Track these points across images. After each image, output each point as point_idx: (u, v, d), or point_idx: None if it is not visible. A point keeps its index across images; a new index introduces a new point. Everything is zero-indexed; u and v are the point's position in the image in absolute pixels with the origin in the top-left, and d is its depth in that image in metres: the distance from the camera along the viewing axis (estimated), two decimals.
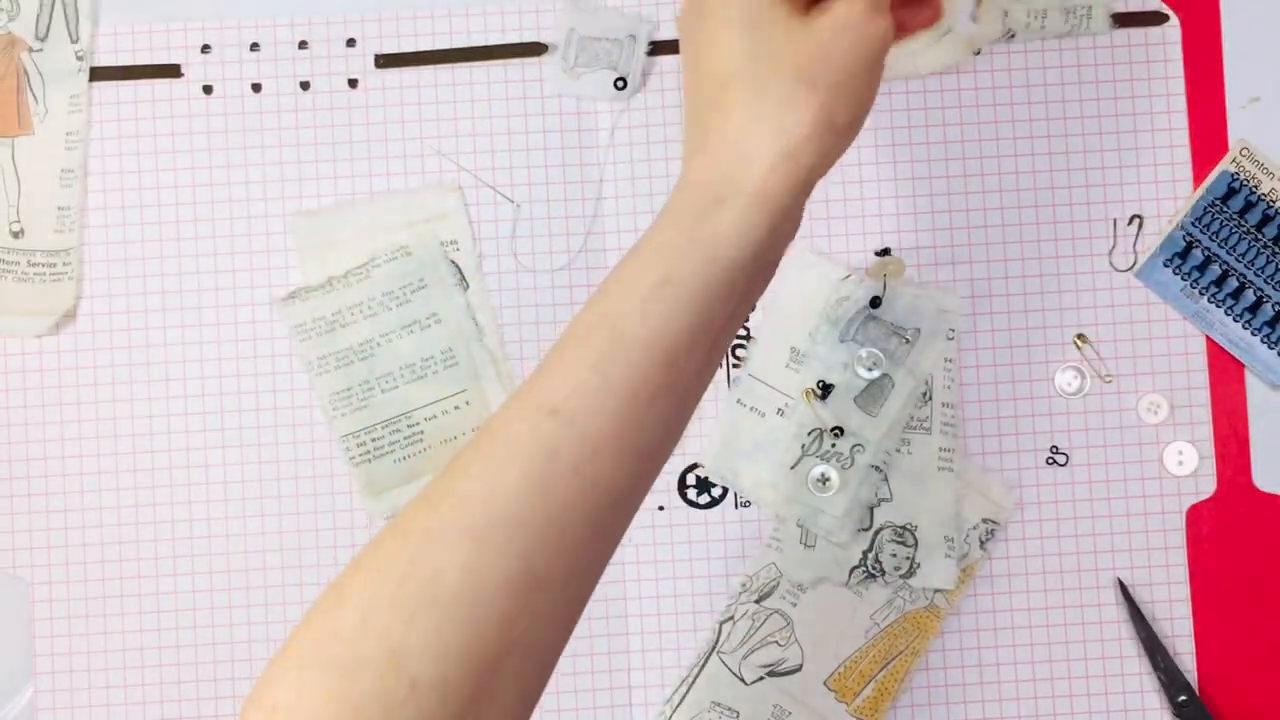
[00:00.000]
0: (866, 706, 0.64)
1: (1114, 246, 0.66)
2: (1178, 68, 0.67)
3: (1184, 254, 0.66)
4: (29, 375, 0.66)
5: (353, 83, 0.67)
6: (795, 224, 0.48)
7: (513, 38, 0.67)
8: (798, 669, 0.65)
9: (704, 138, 0.46)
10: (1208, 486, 0.65)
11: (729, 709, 0.65)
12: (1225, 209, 0.66)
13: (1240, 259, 0.66)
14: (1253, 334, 0.65)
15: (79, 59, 0.66)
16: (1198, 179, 0.66)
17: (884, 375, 0.64)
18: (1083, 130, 0.66)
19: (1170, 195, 0.66)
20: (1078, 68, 0.65)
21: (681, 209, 0.46)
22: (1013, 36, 0.66)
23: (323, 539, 0.65)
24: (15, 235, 0.66)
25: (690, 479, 0.66)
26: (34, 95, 0.66)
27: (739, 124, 0.46)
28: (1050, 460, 0.66)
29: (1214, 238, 0.66)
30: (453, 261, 0.66)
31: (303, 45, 0.67)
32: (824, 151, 0.46)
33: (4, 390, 0.66)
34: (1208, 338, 0.66)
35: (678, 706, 0.65)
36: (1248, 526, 0.65)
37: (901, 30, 0.50)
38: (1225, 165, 0.66)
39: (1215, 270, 0.66)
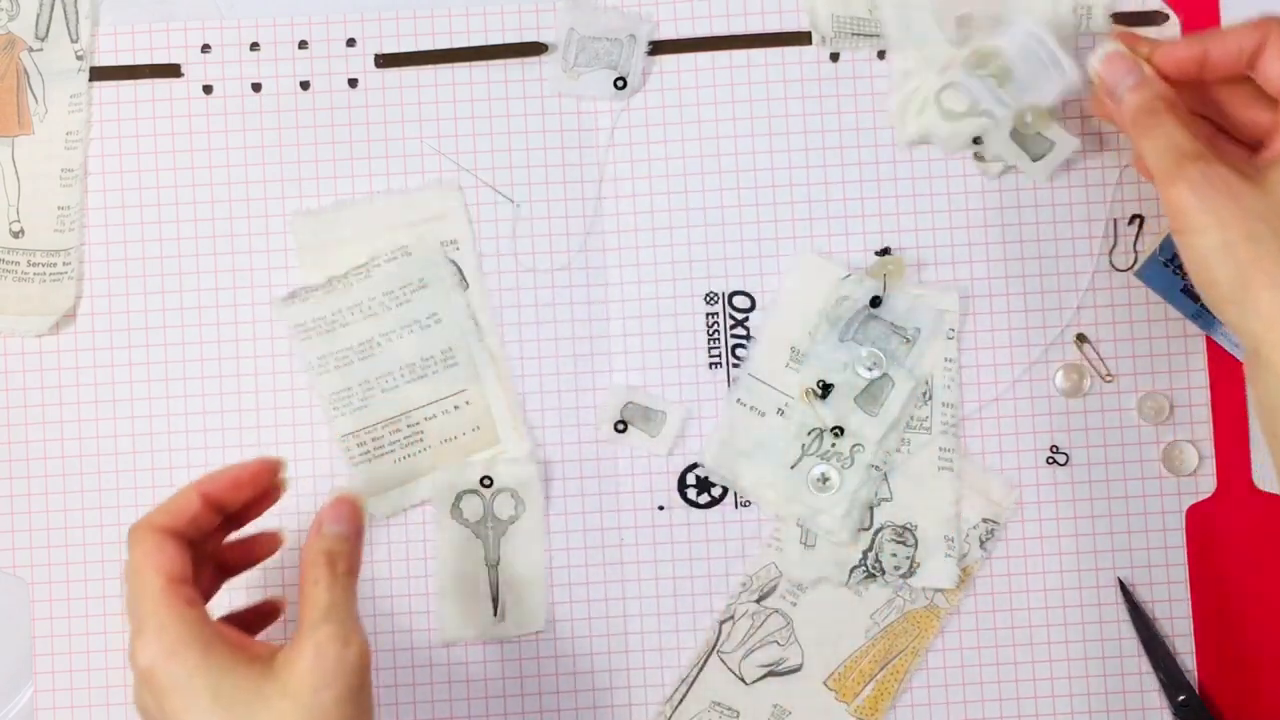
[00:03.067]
0: (866, 706, 0.64)
1: (1114, 246, 0.66)
2: None
3: None
4: (29, 375, 0.66)
5: (353, 82, 0.67)
6: None
7: (513, 38, 0.67)
8: (798, 669, 0.65)
9: None
10: (1208, 486, 0.65)
11: (729, 709, 0.65)
12: None
13: None
14: None
15: (79, 59, 0.66)
16: None
17: (884, 375, 0.64)
18: (1082, 130, 0.66)
19: None
20: (1085, 80, 0.65)
21: None
22: None
23: None
24: (15, 235, 0.66)
25: (690, 479, 0.66)
26: (34, 95, 0.66)
27: None
28: (1050, 460, 0.66)
29: None
30: (453, 261, 0.66)
31: (303, 45, 0.67)
32: None
33: (4, 390, 0.66)
34: (1208, 338, 0.66)
35: (678, 706, 0.65)
36: (1248, 526, 0.65)
37: (246, 565, 0.59)
38: None
39: None
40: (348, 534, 0.55)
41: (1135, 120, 0.55)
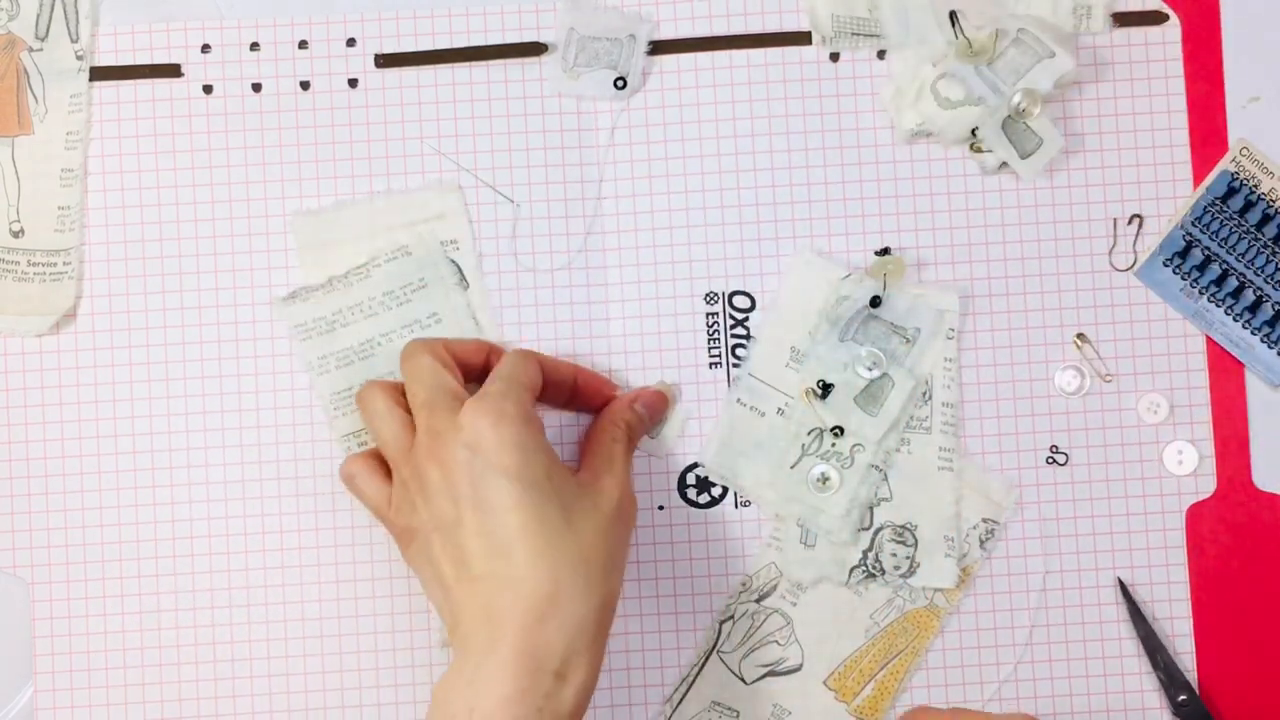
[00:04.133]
0: (866, 706, 0.64)
1: (1114, 246, 0.66)
2: (1178, 67, 0.67)
3: (1184, 253, 0.66)
4: (29, 375, 0.66)
5: (353, 83, 0.67)
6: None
7: (513, 38, 0.67)
8: (798, 668, 0.65)
9: None
10: (1208, 486, 0.65)
11: (729, 709, 0.65)
12: (1225, 208, 0.66)
13: (1240, 258, 0.66)
14: (1253, 333, 0.65)
15: (79, 59, 0.66)
16: (1198, 178, 0.66)
17: (884, 375, 0.64)
18: (1082, 130, 0.66)
19: (1170, 195, 0.66)
20: (1077, 66, 0.65)
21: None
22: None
23: (323, 539, 0.65)
24: (15, 235, 0.66)
25: (690, 479, 0.66)
26: (34, 95, 0.66)
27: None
28: (1050, 460, 0.66)
29: (1214, 237, 0.66)
30: (453, 261, 0.66)
31: (303, 45, 0.67)
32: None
33: (4, 390, 0.66)
34: (1208, 337, 0.66)
35: (678, 706, 0.65)
36: (1248, 526, 0.65)
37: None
38: (1225, 165, 0.66)
39: (1215, 270, 0.66)
40: (649, 419, 0.64)
41: None
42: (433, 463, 0.55)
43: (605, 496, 0.57)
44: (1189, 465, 0.65)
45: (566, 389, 0.63)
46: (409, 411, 0.59)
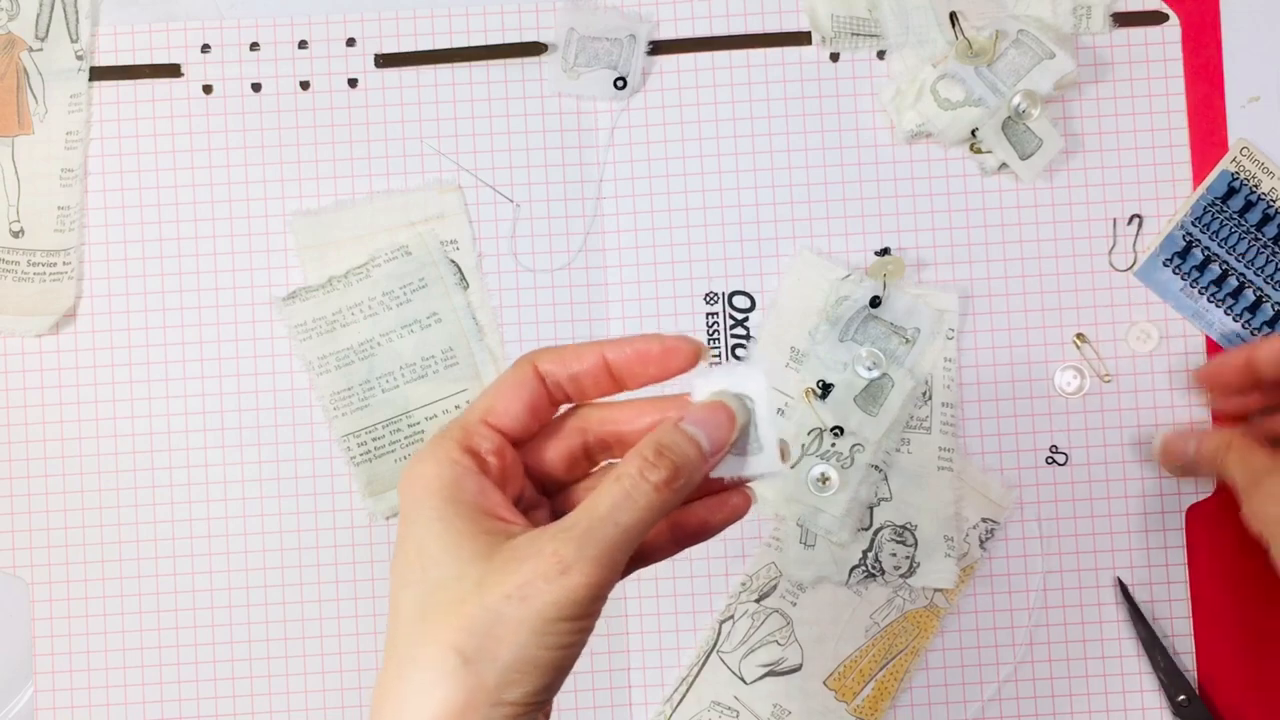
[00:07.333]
0: (866, 706, 0.64)
1: (1113, 246, 0.66)
2: (1178, 67, 0.67)
3: (1183, 253, 0.66)
4: (29, 375, 0.66)
5: (353, 82, 0.67)
6: None
7: (513, 38, 0.67)
8: (797, 668, 0.65)
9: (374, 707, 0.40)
10: (1208, 486, 0.65)
11: (729, 708, 0.65)
12: (1225, 208, 0.66)
13: (1240, 258, 0.66)
14: (1252, 333, 0.65)
15: (79, 59, 0.66)
16: (1197, 178, 0.66)
17: (884, 375, 0.64)
18: (1082, 130, 0.66)
19: (1170, 195, 0.66)
20: (1077, 67, 0.65)
21: None
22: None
23: (323, 539, 0.65)
24: (15, 235, 0.66)
25: None
26: (34, 95, 0.66)
27: (395, 701, 0.38)
28: (1050, 460, 0.66)
29: (1214, 237, 0.66)
30: (453, 261, 0.66)
31: (303, 45, 0.67)
32: None
33: (4, 390, 0.66)
34: (1207, 337, 0.66)
35: (678, 706, 0.65)
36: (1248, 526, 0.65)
37: (704, 531, 0.45)
38: (1225, 165, 0.66)
39: (1215, 270, 0.66)
40: (699, 446, 0.40)
41: (1210, 467, 0.61)
42: None
43: (515, 576, 0.38)
44: None
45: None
46: None
